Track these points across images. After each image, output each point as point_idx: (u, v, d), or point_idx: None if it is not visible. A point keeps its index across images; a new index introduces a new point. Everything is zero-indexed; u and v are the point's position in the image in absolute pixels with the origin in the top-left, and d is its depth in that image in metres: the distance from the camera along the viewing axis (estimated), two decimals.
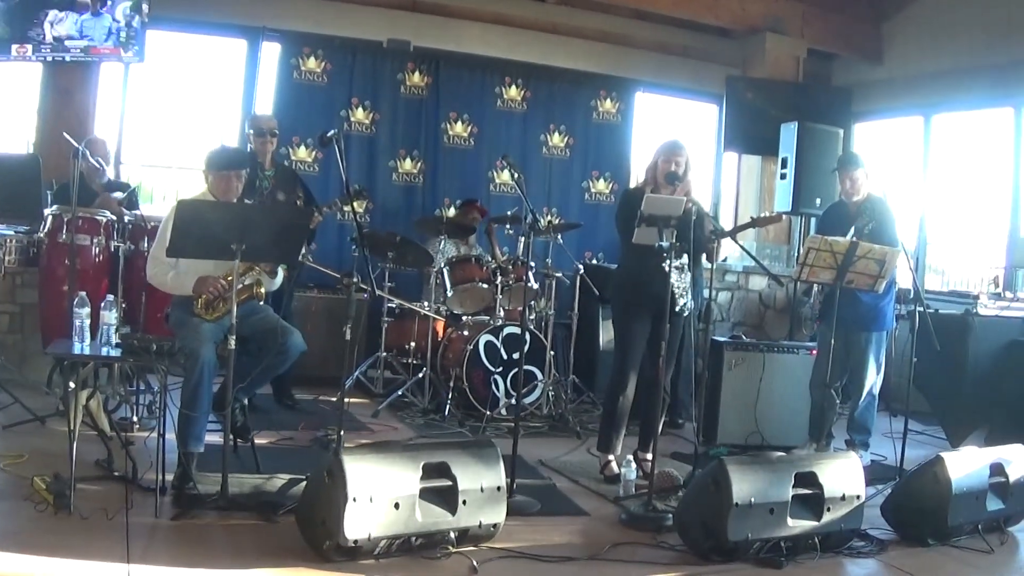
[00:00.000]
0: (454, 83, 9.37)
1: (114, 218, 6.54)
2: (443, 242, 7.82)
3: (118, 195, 6.68)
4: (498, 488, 4.36)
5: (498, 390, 7.13)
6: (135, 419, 5.98)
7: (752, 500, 4.33)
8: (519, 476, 5.16)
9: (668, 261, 5.16)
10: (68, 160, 6.38)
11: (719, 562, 4.36)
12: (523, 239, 7.34)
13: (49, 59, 7.70)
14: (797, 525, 4.47)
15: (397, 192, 9.21)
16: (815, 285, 6.35)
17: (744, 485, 4.34)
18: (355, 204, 5.96)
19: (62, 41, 7.65)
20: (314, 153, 8.88)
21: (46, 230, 6.52)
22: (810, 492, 4.52)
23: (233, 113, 8.93)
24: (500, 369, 7.16)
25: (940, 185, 9.52)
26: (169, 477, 4.75)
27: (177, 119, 8.98)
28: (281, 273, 5.41)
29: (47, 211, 6.52)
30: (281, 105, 8.81)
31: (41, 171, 6.11)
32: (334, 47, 9.02)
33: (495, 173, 9.50)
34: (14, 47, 7.61)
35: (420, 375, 7.39)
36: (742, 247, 6.27)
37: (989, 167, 9.09)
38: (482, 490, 4.29)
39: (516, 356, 6.93)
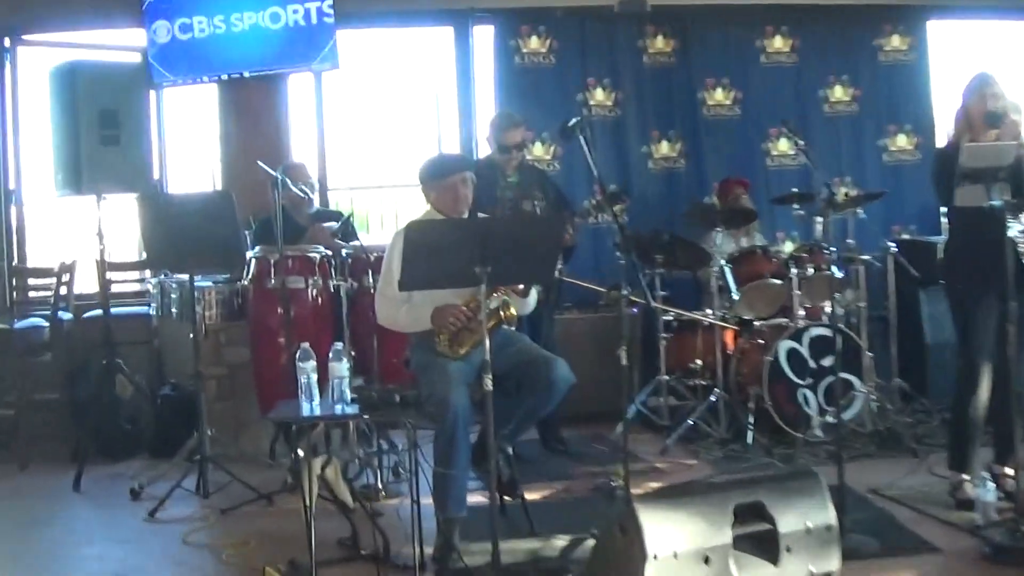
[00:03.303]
0: (706, 42, 9.26)
1: (329, 253, 6.70)
2: (719, 235, 7.68)
3: (331, 225, 6.88)
4: (828, 528, 4.18)
5: (809, 407, 6.93)
6: (380, 485, 6.06)
7: None
8: (849, 510, 4.98)
9: (1009, 223, 4.90)
10: (266, 192, 6.63)
11: None
12: (819, 219, 7.17)
13: (224, 77, 8.02)
14: None
15: (655, 181, 9.16)
16: None
17: None
18: (614, 206, 5.92)
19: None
20: (552, 148, 8.97)
21: (250, 276, 6.70)
22: None
23: (449, 114, 9.11)
24: (809, 381, 6.97)
25: None
26: (428, 550, 4.79)
27: (386, 130, 9.23)
28: (534, 294, 5.41)
29: (249, 254, 6.69)
30: (505, 96, 8.94)
31: (235, 208, 6.32)
32: (557, 20, 9.06)
33: (770, 144, 9.31)
34: None
35: (712, 398, 7.28)
36: None
37: None
38: (808, 531, 4.13)
39: (828, 363, 6.78)
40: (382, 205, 9.60)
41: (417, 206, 5.69)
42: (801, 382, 6.98)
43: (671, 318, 7.57)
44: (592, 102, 9.06)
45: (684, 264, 7.67)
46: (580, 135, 5.35)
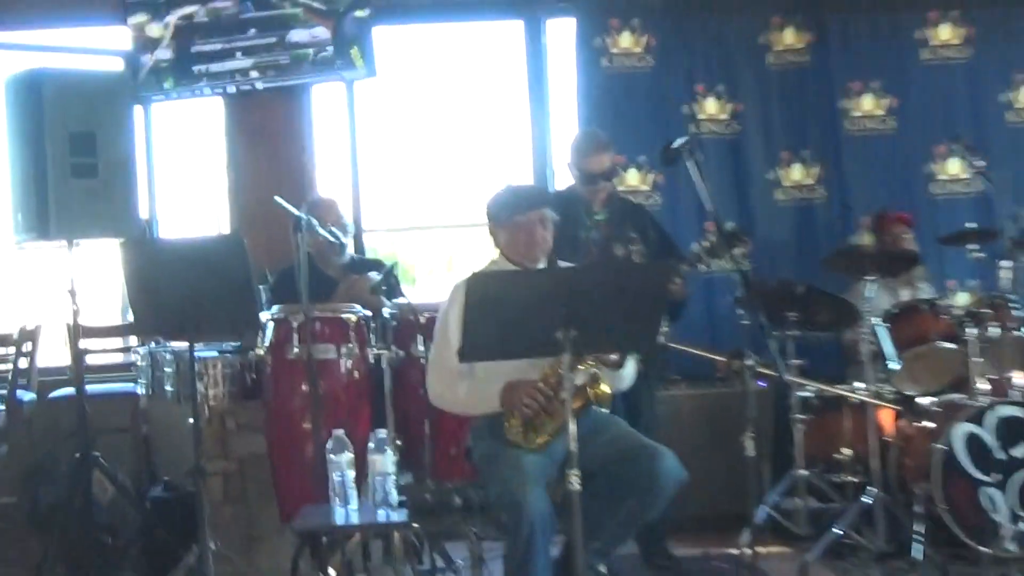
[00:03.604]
0: (850, 34, 9.25)
1: (368, 313, 6.69)
2: (871, 285, 7.60)
3: (372, 277, 6.85)
4: None
5: (997, 511, 6.77)
6: None
7: None
8: None
9: None
10: (286, 236, 6.66)
11: None
12: (1003, 264, 7.11)
13: (232, 89, 8.10)
14: None
15: (786, 217, 9.18)
16: None
17: None
18: (733, 250, 5.91)
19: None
20: (651, 176, 8.97)
21: (267, 344, 6.66)
22: None
23: (519, 134, 9.18)
24: (996, 477, 6.81)
25: None
26: None
27: (438, 156, 9.26)
28: (631, 365, 5.39)
29: (265, 316, 6.66)
30: (589, 110, 9.00)
31: (248, 257, 6.26)
32: (656, 11, 9.12)
33: (936, 165, 9.22)
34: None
35: (866, 499, 7.09)
36: None
37: None
38: None
39: (1021, 453, 6.71)
40: (434, 252, 9.60)
41: (480, 252, 5.70)
42: (985, 478, 6.83)
43: (810, 394, 7.44)
44: (702, 116, 9.08)
45: (825, 324, 7.59)
46: (687, 159, 5.36)
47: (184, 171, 8.93)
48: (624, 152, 8.75)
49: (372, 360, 6.60)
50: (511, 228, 5.46)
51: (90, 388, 7.13)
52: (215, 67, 8.22)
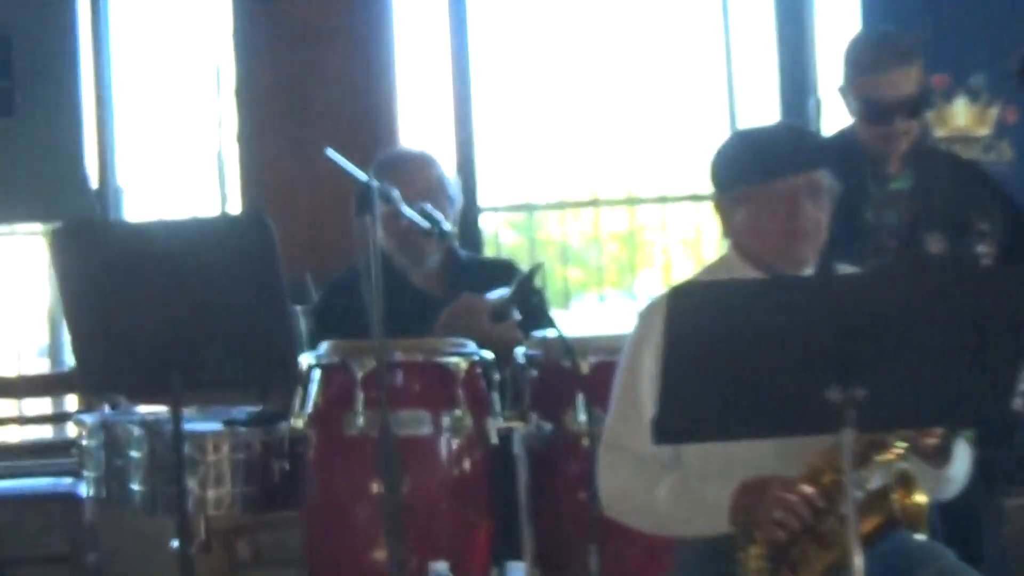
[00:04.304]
0: None
1: (489, 356, 6.58)
2: None
3: (496, 294, 6.70)
4: None
5: None
6: None
7: None
8: None
9: None
10: (343, 219, 6.47)
11: None
12: None
13: None
14: None
15: None
16: None
17: None
18: None
19: None
20: (992, 112, 8.77)
21: (310, 410, 6.59)
22: None
23: (759, 41, 9.16)
24: None
25: None
26: None
27: (602, 85, 9.18)
28: (963, 454, 5.16)
29: (306, 359, 6.64)
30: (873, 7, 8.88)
31: (277, 253, 5.98)
32: None
33: None
34: None
35: None
36: None
37: None
38: None
39: None
40: (603, 246, 9.46)
41: (694, 246, 5.53)
42: None
43: None
44: None
45: None
46: None
47: (165, 106, 8.81)
48: (944, 68, 8.65)
49: (496, 439, 6.47)
50: (754, 204, 5.23)
51: None
52: None
